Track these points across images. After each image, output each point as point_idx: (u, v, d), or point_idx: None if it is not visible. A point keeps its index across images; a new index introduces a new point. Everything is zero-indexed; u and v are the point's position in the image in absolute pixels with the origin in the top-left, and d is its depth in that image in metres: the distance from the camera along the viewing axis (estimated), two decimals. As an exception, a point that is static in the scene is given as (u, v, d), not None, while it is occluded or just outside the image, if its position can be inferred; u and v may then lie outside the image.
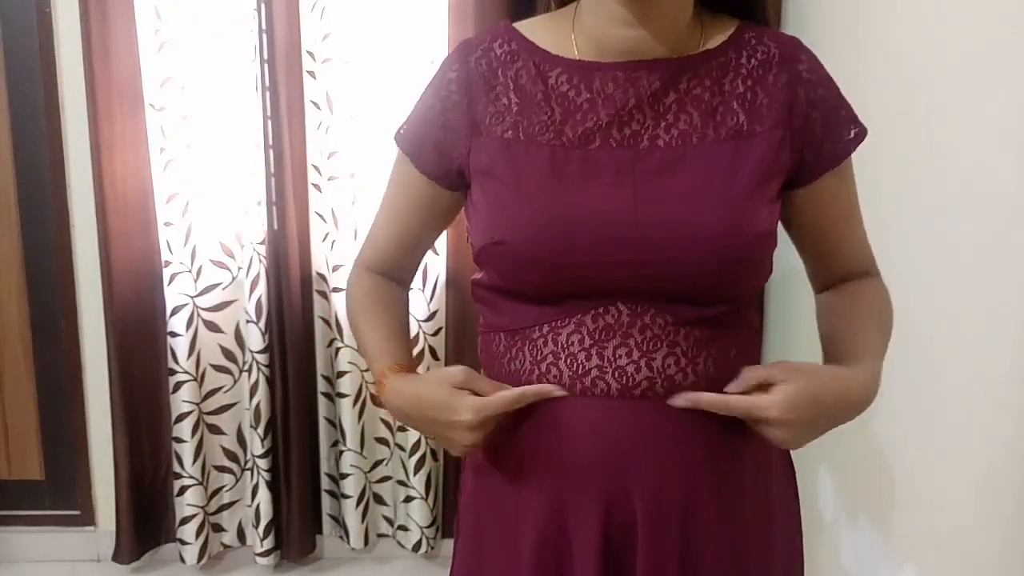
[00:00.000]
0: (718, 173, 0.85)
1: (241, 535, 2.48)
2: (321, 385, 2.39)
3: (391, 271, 1.05)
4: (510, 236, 0.86)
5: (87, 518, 2.49)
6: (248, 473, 2.42)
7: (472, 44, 0.94)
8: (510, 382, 0.92)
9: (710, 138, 0.86)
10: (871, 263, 1.02)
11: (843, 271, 1.00)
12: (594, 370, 0.87)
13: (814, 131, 0.89)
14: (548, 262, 0.86)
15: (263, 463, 2.35)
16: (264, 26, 2.17)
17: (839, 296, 1.00)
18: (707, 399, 0.86)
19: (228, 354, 2.36)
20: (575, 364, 0.88)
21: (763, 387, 0.85)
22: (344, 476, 2.39)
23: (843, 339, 0.95)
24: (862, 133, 0.93)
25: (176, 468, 2.34)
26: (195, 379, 2.31)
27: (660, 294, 0.86)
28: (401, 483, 2.44)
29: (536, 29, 0.93)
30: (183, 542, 2.37)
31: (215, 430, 2.39)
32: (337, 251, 2.29)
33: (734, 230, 0.84)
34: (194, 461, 2.33)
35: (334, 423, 2.41)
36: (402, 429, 2.41)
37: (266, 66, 2.19)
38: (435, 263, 2.30)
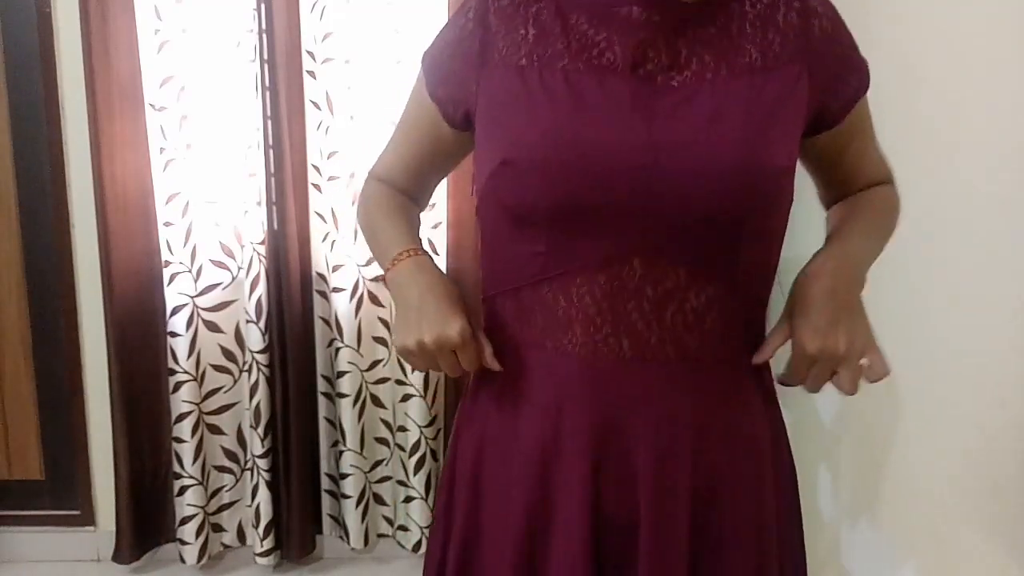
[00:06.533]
0: (735, 105, 0.86)
1: (241, 535, 2.48)
2: (321, 385, 2.39)
3: (399, 187, 1.07)
4: (519, 154, 0.85)
5: (87, 518, 2.49)
6: (248, 473, 2.42)
7: None
8: (524, 346, 0.92)
9: (724, 74, 0.87)
10: (885, 172, 1.05)
11: (858, 188, 1.03)
12: (607, 327, 0.88)
13: (834, 65, 0.90)
14: (558, 183, 0.85)
15: (263, 463, 2.35)
16: (264, 26, 2.17)
17: (844, 201, 1.04)
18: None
19: (228, 354, 2.36)
20: (590, 325, 0.88)
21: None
22: (344, 476, 2.40)
23: (832, 230, 1.00)
24: (867, 64, 0.95)
25: (176, 468, 2.34)
26: (195, 379, 2.31)
27: (673, 231, 0.85)
28: (401, 483, 2.44)
29: None
30: (183, 542, 2.37)
31: (215, 430, 2.39)
32: (337, 251, 2.29)
33: (751, 160, 0.84)
34: (194, 461, 2.33)
35: (334, 423, 2.41)
36: (402, 429, 2.41)
37: (266, 66, 2.19)
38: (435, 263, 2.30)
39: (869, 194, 1.03)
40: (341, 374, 2.34)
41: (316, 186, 2.28)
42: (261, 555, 2.40)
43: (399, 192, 1.06)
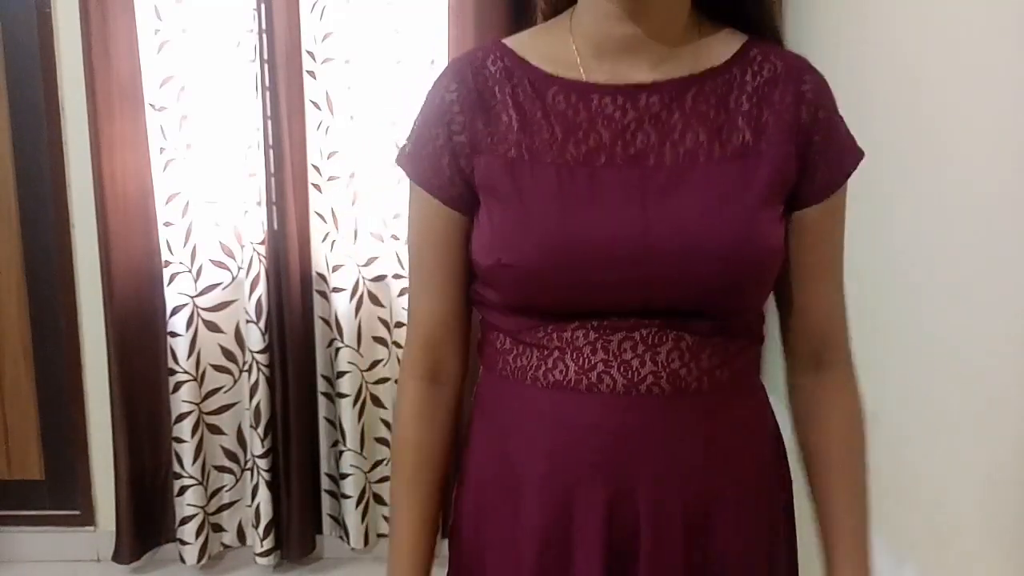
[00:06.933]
0: (727, 191, 0.85)
1: (241, 535, 2.48)
2: (321, 385, 2.39)
3: (443, 355, 0.97)
4: (516, 259, 0.85)
5: (87, 518, 2.49)
6: (248, 473, 2.42)
7: (464, 62, 0.92)
8: (516, 378, 0.91)
9: (717, 155, 0.86)
10: (844, 337, 0.97)
11: (816, 336, 0.96)
12: (600, 364, 0.87)
13: (813, 155, 0.88)
14: (558, 284, 0.85)
15: (263, 463, 2.35)
16: (264, 26, 2.17)
17: (819, 435, 0.97)
18: None
19: (228, 354, 2.36)
20: (581, 359, 0.87)
21: None
22: (344, 476, 2.40)
23: (834, 535, 0.96)
24: (858, 158, 0.91)
25: (176, 468, 2.34)
26: (195, 379, 2.31)
27: (669, 310, 0.86)
28: (401, 483, 2.44)
29: (528, 45, 0.92)
30: (183, 542, 2.37)
31: (215, 430, 2.39)
32: (337, 251, 2.29)
33: (744, 248, 0.84)
34: (194, 461, 2.33)
35: (334, 423, 2.41)
36: (402, 429, 2.41)
37: (266, 66, 2.19)
38: None
39: (846, 463, 0.97)
40: (341, 374, 2.34)
41: (316, 186, 2.28)
42: (261, 555, 2.40)
43: (435, 402, 0.98)
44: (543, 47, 0.91)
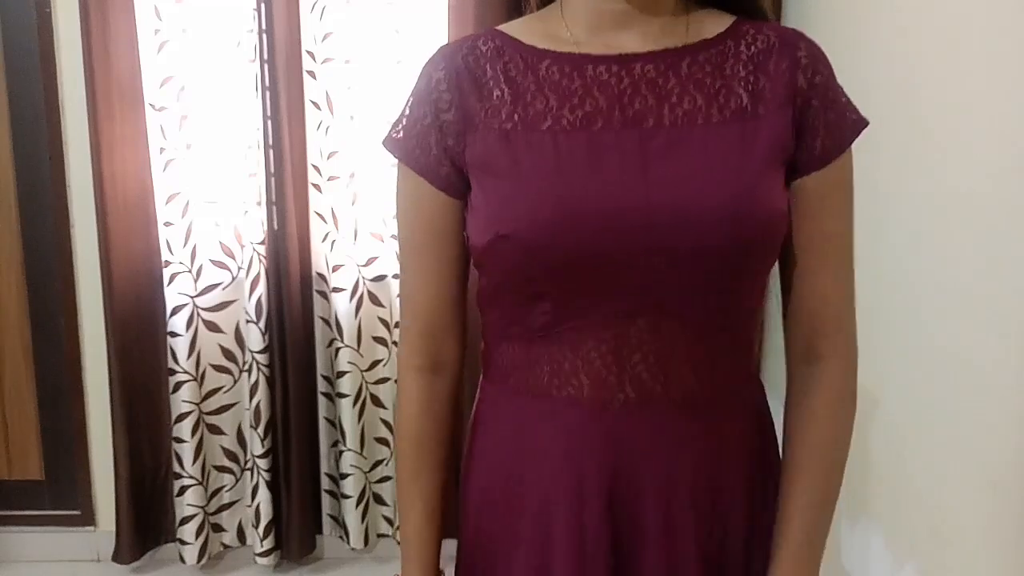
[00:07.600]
0: (728, 152, 0.84)
1: (241, 535, 2.48)
2: (321, 385, 2.39)
3: (441, 343, 0.96)
4: (515, 228, 0.83)
5: (87, 518, 2.49)
6: (248, 473, 2.42)
7: (453, 45, 0.92)
8: (527, 388, 0.91)
9: (715, 119, 0.85)
10: (841, 326, 0.91)
11: (808, 321, 0.92)
12: (612, 379, 0.87)
13: (812, 119, 0.87)
14: (558, 253, 0.83)
15: (263, 463, 2.35)
16: (264, 26, 2.17)
17: (798, 446, 0.94)
18: None
19: (228, 354, 2.36)
20: (597, 377, 0.88)
21: None
22: (344, 476, 2.40)
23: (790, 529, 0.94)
24: (860, 126, 0.89)
25: (176, 468, 2.34)
26: (195, 379, 2.31)
27: (674, 283, 0.84)
28: (401, 483, 2.44)
29: (521, 29, 0.92)
30: (183, 542, 2.37)
31: (215, 430, 2.39)
32: (337, 251, 2.29)
33: (748, 209, 0.83)
34: (194, 461, 2.33)
35: (334, 423, 2.41)
36: (402, 429, 2.41)
37: (266, 66, 2.19)
38: None
39: (818, 479, 0.96)
40: (341, 374, 2.34)
41: (316, 186, 2.28)
42: (261, 555, 2.40)
43: (436, 391, 0.97)
44: (535, 30, 0.91)
